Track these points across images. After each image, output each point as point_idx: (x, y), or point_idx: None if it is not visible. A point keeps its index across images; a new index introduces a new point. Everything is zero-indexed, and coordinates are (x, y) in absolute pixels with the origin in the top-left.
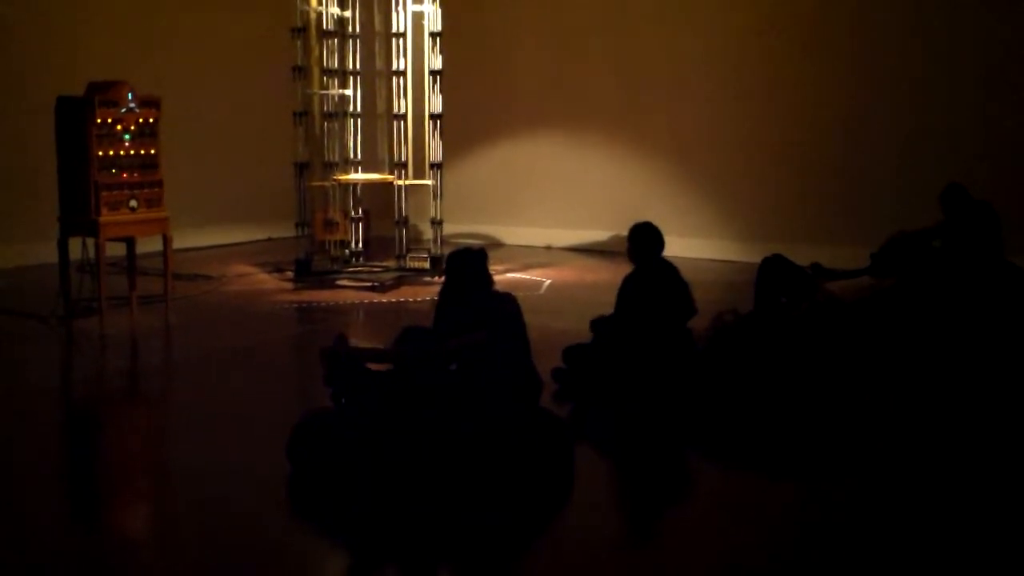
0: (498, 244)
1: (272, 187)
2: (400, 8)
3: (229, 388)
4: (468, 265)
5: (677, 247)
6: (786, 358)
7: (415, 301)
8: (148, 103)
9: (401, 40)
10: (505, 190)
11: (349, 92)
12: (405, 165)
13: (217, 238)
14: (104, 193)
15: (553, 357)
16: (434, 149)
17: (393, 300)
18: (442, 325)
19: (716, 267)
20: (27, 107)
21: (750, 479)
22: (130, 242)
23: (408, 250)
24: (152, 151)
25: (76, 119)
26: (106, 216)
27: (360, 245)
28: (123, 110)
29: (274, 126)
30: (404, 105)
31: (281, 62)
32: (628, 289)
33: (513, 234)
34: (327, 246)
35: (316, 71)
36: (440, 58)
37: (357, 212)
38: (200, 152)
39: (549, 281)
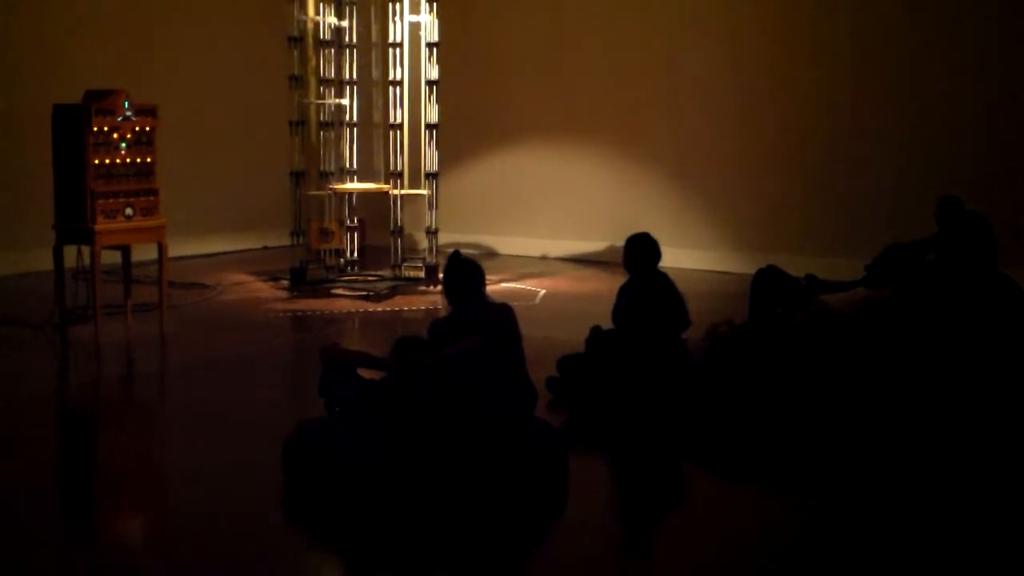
0: (493, 254)
1: (268, 196)
2: (397, 19)
3: (224, 396)
4: (461, 275)
5: (671, 258)
6: (780, 369)
7: (410, 310)
8: (145, 112)
9: (398, 50)
10: (500, 200)
11: (345, 102)
12: (401, 175)
13: (212, 247)
14: (100, 201)
15: (548, 367)
16: (430, 159)
17: (388, 309)
18: (437, 335)
19: (710, 278)
20: (23, 115)
21: (745, 489)
22: (125, 250)
23: (403, 259)
24: (148, 159)
25: (73, 127)
26: (102, 224)
27: (355, 254)
28: (120, 118)
29: (270, 135)
30: (400, 115)
31: (278, 71)
32: (623, 300)
33: (508, 244)
34: (322, 255)
35: (313, 81)
36: (436, 68)
37: (352, 221)
38: (196, 161)
39: (544, 291)
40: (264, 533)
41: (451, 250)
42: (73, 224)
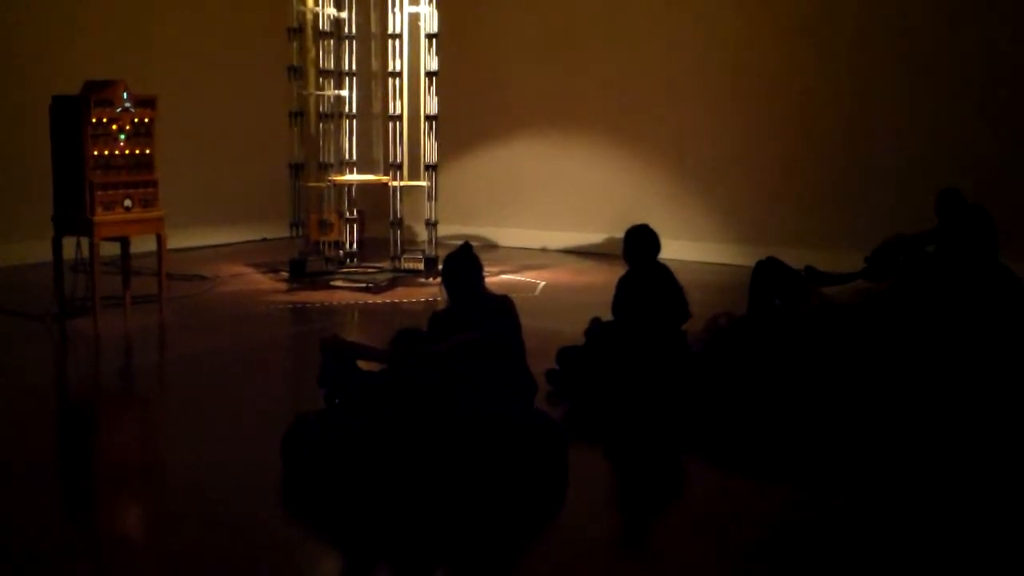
0: (493, 246)
1: (267, 187)
2: (396, 9)
3: (223, 388)
4: (460, 267)
5: (671, 250)
6: (780, 361)
7: (409, 302)
8: (144, 102)
9: (397, 41)
10: (500, 192)
11: (345, 93)
12: (400, 166)
13: (212, 238)
14: (99, 192)
15: (547, 359)
16: (429, 150)
17: (387, 301)
18: (437, 328)
19: (710, 270)
20: (22, 106)
21: (745, 482)
22: (124, 242)
23: (403, 251)
24: (147, 151)
25: (71, 118)
26: (101, 216)
27: (355, 246)
28: (119, 109)
29: (269, 126)
30: (400, 106)
31: (277, 62)
32: (623, 291)
33: (508, 236)
34: (321, 247)
35: (312, 72)
36: (436, 59)
37: (352, 213)
38: (195, 152)
39: (544, 283)
40: (263, 525)
41: (451, 242)
42: (72, 215)
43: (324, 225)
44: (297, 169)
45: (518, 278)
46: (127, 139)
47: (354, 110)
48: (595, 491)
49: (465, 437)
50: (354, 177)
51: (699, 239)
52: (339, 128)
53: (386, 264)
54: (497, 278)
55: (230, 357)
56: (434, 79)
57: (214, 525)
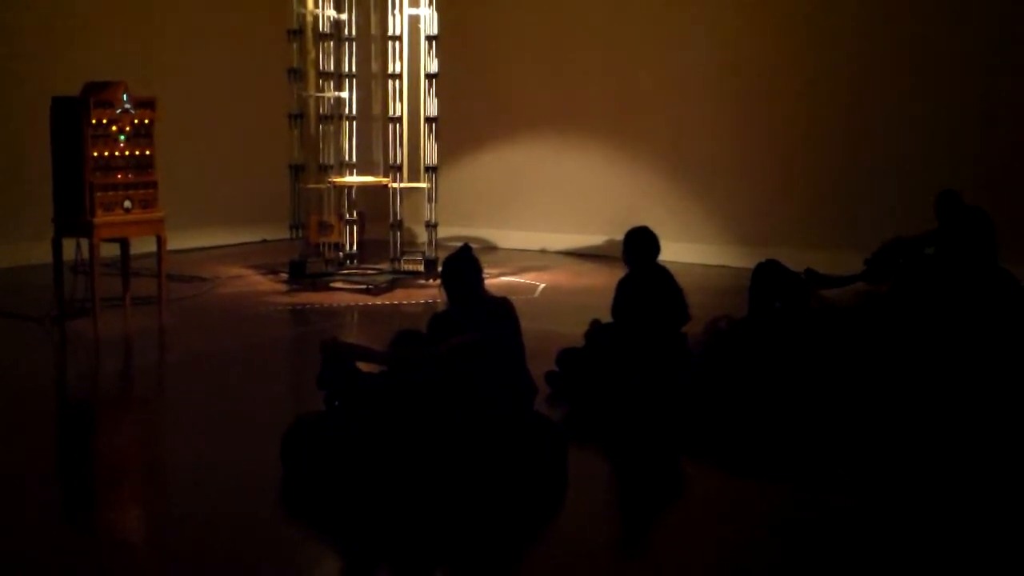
0: (492, 248)
1: (267, 189)
2: (396, 11)
3: (223, 390)
4: (460, 268)
5: (671, 252)
6: (780, 364)
7: (409, 304)
8: (144, 104)
9: (397, 43)
10: (500, 193)
11: (345, 95)
12: (400, 168)
13: (211, 240)
14: (99, 194)
15: (547, 361)
16: (429, 152)
17: (387, 303)
18: (436, 330)
19: (710, 272)
20: (22, 107)
21: (745, 484)
22: (124, 243)
23: (402, 253)
24: (147, 152)
25: (71, 120)
26: (100, 217)
27: (354, 248)
28: (119, 111)
29: (269, 128)
30: (400, 108)
31: (277, 64)
32: (623, 293)
33: (507, 238)
34: (321, 248)
35: (312, 73)
36: (436, 61)
37: (352, 215)
38: (195, 153)
39: (543, 285)
40: (263, 527)
41: (451, 243)
42: (72, 217)
43: (324, 227)
44: (297, 171)
45: (518, 280)
46: (127, 140)
47: (354, 112)
48: (595, 492)
49: (465, 439)
50: (354, 179)
51: (699, 241)
52: (339, 130)
53: (386, 266)
54: (497, 280)
55: (230, 358)
56: (434, 81)
57: (214, 525)
